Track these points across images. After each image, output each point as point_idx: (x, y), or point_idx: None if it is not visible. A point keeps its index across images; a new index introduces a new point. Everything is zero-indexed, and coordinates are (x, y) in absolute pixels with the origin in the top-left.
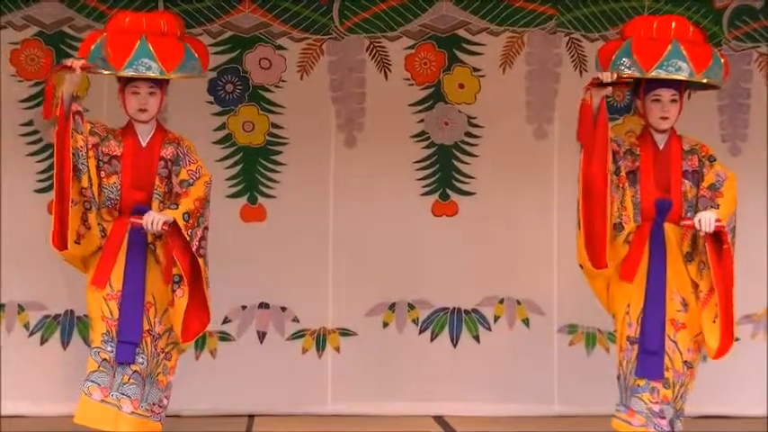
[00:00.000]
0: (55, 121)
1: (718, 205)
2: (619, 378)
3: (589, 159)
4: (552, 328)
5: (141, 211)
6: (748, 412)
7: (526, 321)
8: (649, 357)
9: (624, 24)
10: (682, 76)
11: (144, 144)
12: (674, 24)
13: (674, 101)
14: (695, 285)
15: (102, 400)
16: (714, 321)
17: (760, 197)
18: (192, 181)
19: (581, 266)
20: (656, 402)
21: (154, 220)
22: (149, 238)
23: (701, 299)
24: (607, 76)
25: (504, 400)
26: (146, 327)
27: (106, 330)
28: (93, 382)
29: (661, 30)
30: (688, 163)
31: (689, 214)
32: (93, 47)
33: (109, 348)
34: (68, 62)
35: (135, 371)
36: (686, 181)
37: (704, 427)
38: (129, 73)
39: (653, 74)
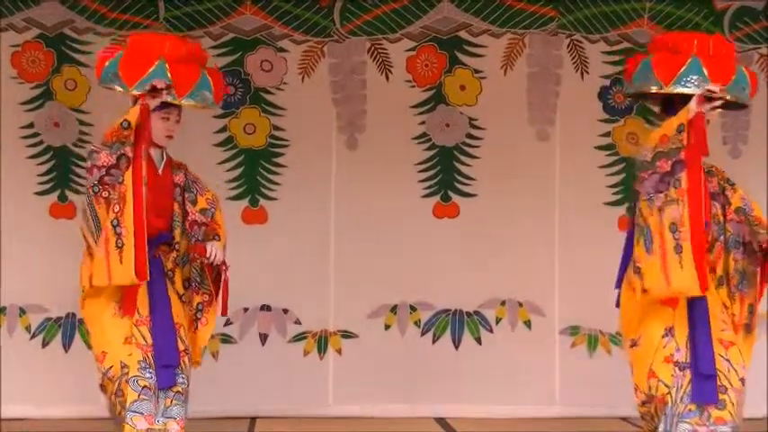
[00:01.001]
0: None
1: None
2: (646, 404)
3: (697, 176)
4: (554, 330)
5: (165, 238)
6: (748, 413)
7: (528, 323)
8: (705, 381)
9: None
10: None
11: (160, 171)
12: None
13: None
14: (726, 307)
15: (149, 429)
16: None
17: (760, 199)
18: (212, 209)
19: (644, 291)
20: (704, 425)
21: (217, 253)
22: (169, 266)
23: (735, 322)
24: (716, 90)
25: (505, 402)
26: (181, 347)
27: (142, 357)
28: (135, 412)
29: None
30: (712, 185)
31: (721, 237)
32: (108, 63)
33: (147, 375)
34: (158, 85)
35: (177, 391)
36: (715, 203)
37: None
38: (190, 102)
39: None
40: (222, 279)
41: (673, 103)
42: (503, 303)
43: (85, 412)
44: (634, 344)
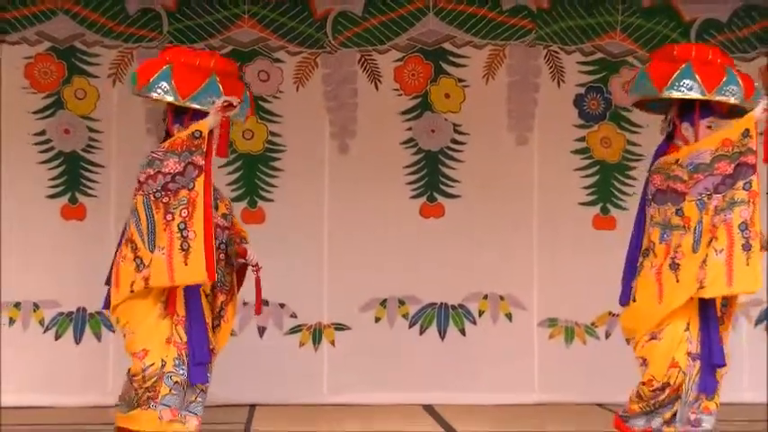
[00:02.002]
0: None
1: None
2: (658, 392)
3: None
4: (533, 322)
5: None
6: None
7: (509, 316)
8: (712, 375)
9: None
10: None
11: None
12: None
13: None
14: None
15: (171, 420)
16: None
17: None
18: (231, 214)
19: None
20: (694, 413)
21: (255, 256)
22: None
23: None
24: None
25: (488, 390)
26: (210, 345)
27: (177, 355)
28: (165, 405)
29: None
30: None
31: None
32: (156, 75)
33: (180, 371)
34: (233, 101)
35: (201, 390)
36: None
37: None
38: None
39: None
40: (255, 279)
41: (693, 109)
42: (485, 297)
43: (95, 401)
44: (653, 337)
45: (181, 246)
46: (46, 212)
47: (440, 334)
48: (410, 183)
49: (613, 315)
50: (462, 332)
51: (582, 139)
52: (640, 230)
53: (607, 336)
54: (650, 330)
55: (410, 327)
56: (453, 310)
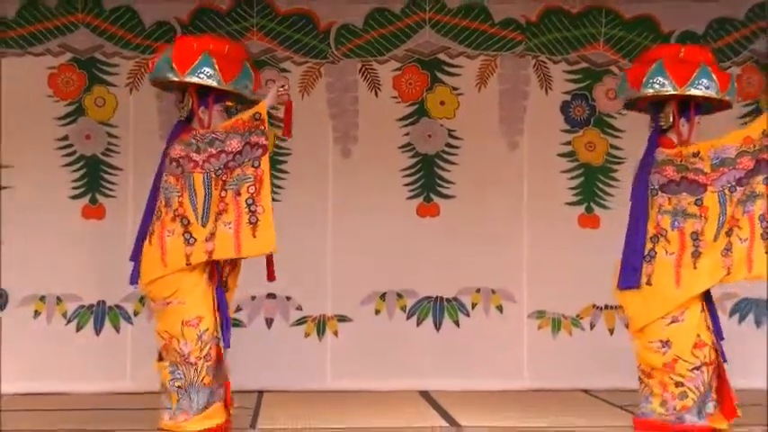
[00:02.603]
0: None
1: None
2: (695, 371)
3: None
4: (523, 314)
5: None
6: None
7: (500, 308)
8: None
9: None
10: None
11: None
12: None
13: None
14: None
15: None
16: None
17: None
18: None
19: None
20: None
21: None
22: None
23: None
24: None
25: (480, 377)
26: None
27: (217, 322)
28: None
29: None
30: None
31: None
32: (198, 61)
33: (220, 336)
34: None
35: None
36: None
37: None
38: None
39: None
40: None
41: (688, 107)
42: (478, 291)
43: (115, 387)
44: (675, 320)
45: (249, 220)
46: (68, 212)
47: (435, 325)
48: (408, 184)
49: (597, 308)
50: (456, 323)
51: (568, 144)
52: (646, 218)
53: (591, 327)
54: (669, 313)
55: (408, 318)
56: (448, 303)
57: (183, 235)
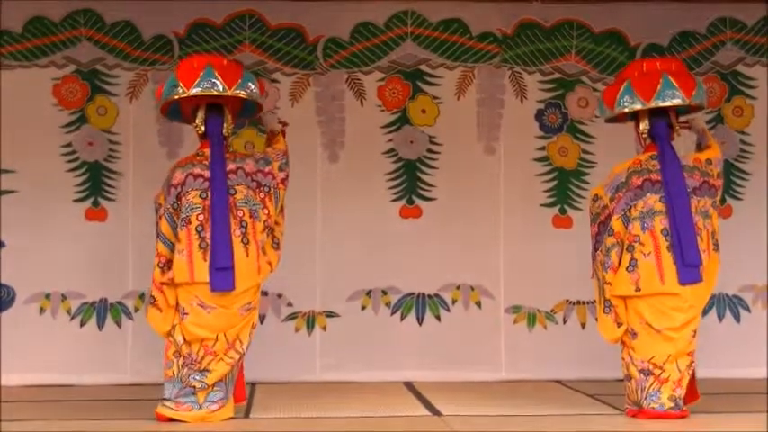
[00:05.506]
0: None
1: None
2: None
3: None
4: (500, 309)
5: None
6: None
7: (479, 303)
8: None
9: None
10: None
11: None
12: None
13: None
14: None
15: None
16: None
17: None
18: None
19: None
20: None
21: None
22: None
23: None
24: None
25: (460, 368)
26: None
27: None
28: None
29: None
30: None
31: None
32: (242, 78)
33: None
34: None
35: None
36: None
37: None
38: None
39: None
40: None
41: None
42: (458, 287)
43: (116, 380)
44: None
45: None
46: (72, 215)
47: (418, 320)
48: (391, 188)
49: (570, 303)
50: (438, 318)
51: (542, 149)
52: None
53: (564, 321)
54: (703, 306)
55: (392, 314)
56: (430, 299)
57: (272, 242)
